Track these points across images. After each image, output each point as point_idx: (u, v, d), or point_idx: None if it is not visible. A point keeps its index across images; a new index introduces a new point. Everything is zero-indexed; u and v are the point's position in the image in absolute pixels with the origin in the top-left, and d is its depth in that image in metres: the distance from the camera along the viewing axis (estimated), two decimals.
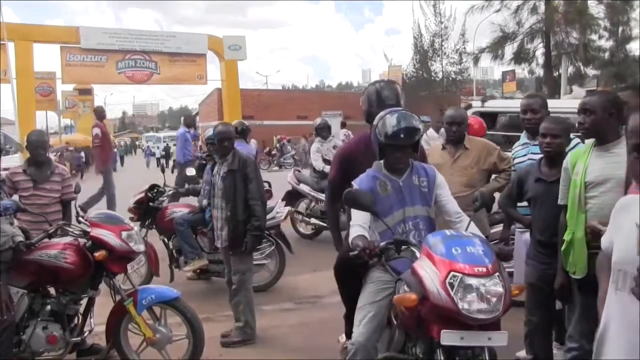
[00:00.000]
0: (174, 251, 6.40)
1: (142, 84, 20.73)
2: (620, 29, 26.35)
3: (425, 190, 3.11)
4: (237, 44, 21.43)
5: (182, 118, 12.07)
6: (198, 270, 6.33)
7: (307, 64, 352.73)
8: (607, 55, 27.22)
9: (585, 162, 3.10)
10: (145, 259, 6.06)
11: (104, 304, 4.19)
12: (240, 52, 21.31)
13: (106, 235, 3.88)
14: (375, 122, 3.11)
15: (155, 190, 6.75)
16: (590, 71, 28.46)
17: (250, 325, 4.74)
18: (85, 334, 4.11)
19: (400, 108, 3.29)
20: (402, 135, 2.97)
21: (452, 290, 2.35)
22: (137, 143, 65.32)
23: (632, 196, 1.73)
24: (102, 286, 4.14)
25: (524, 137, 4.31)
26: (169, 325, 4.12)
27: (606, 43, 26.76)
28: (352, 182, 3.09)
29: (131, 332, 4.11)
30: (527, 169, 3.79)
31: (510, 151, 4.49)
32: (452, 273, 2.38)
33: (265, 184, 7.85)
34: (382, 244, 2.80)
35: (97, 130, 10.32)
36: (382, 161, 3.15)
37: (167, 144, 38.72)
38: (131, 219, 6.28)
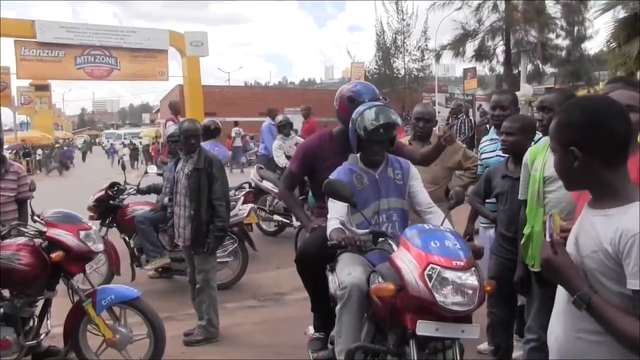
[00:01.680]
0: (135, 250, 6.30)
1: (102, 79, 20.41)
2: (576, 28, 27.04)
3: (400, 182, 3.19)
4: (199, 40, 21.26)
5: (268, 110, 11.79)
6: (160, 269, 6.26)
7: (269, 60, 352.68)
8: (564, 53, 27.89)
9: (544, 157, 3.15)
10: (105, 258, 5.99)
11: (62, 306, 4.08)
12: (202, 48, 21.15)
13: (63, 235, 3.78)
14: (354, 117, 3.14)
15: (116, 188, 6.63)
16: (549, 69, 29.17)
17: (214, 323, 4.70)
18: (42, 337, 4.00)
19: (378, 102, 3.33)
20: (381, 130, 3.04)
21: (430, 282, 2.39)
22: (97, 140, 64.00)
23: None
24: (61, 287, 4.03)
25: (492, 133, 4.34)
26: (129, 325, 4.05)
27: (563, 42, 27.48)
28: (330, 176, 3.10)
29: (90, 334, 4.02)
30: (496, 166, 3.85)
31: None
32: (430, 265, 2.42)
33: (246, 185, 7.83)
34: (362, 234, 2.83)
35: (172, 128, 10.14)
36: (358, 155, 3.20)
37: (131, 141, 37.94)
38: (91, 217, 6.17)
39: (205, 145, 7.82)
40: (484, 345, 4.13)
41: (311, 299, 3.66)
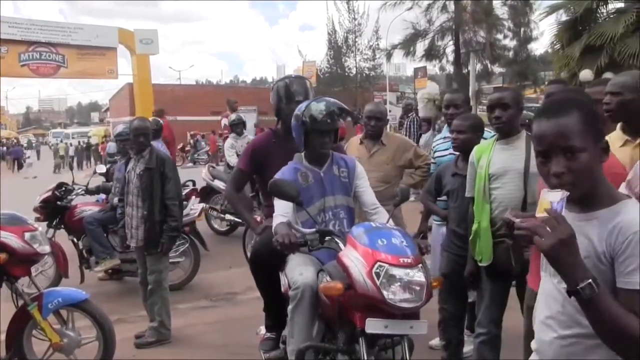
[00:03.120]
0: (84, 251, 6.18)
1: (48, 77, 19.83)
2: (522, 30, 27.82)
3: (345, 180, 3.19)
4: (149, 38, 20.91)
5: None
6: (110, 270, 6.16)
7: (221, 58, 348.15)
8: (511, 54, 28.63)
9: (489, 155, 3.24)
10: (52, 261, 5.84)
11: (5, 310, 3.96)
12: (152, 46, 20.81)
13: (6, 237, 3.66)
14: (298, 111, 3.13)
15: (64, 188, 6.47)
16: (497, 69, 29.88)
17: (165, 324, 4.66)
18: None
19: (321, 96, 3.34)
20: (329, 120, 3.04)
21: (378, 280, 2.40)
22: (44, 140, 61.91)
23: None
24: (4, 291, 3.91)
25: (445, 131, 4.39)
26: (77, 328, 3.96)
27: (510, 43, 28.18)
28: (275, 175, 3.08)
29: (36, 339, 3.91)
30: (446, 164, 3.93)
31: None
32: (378, 263, 2.43)
33: (189, 183, 7.75)
34: (308, 233, 2.82)
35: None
36: (302, 153, 3.20)
37: (79, 141, 36.94)
38: (37, 219, 6.01)
39: (157, 144, 7.78)
40: (436, 341, 4.21)
41: (263, 299, 3.64)
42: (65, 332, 3.87)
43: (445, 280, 3.66)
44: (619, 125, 2.83)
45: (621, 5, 16.08)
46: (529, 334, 1.93)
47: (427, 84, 23.00)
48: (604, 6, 16.46)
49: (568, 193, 1.52)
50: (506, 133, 3.22)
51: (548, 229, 1.41)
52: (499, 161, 3.18)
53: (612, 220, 1.48)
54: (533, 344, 1.77)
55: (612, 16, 15.98)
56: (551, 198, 1.50)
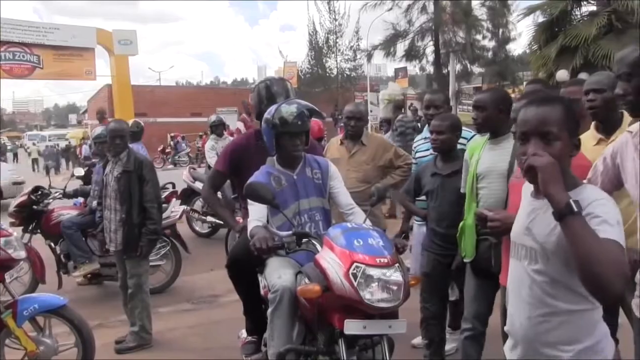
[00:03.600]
0: (61, 256, 6.06)
1: (22, 78, 19.48)
2: (501, 30, 28.14)
3: (319, 182, 3.18)
4: (128, 39, 20.70)
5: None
6: (89, 275, 6.07)
7: (201, 59, 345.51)
8: (490, 54, 28.95)
9: (479, 154, 3.30)
10: (28, 266, 5.73)
11: None
12: (131, 46, 20.60)
13: None
14: (268, 114, 3.12)
15: (40, 192, 6.35)
16: (476, 69, 30.20)
17: (146, 329, 4.60)
18: None
19: (290, 99, 3.35)
20: (299, 122, 3.03)
21: (355, 281, 2.40)
22: (20, 143, 60.84)
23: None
24: None
25: (426, 132, 4.40)
26: (55, 335, 3.88)
27: (489, 43, 28.52)
28: (249, 180, 3.06)
29: (10, 348, 3.81)
30: (425, 164, 3.95)
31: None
32: (355, 264, 2.43)
33: (169, 186, 7.68)
34: (284, 236, 2.81)
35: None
36: (274, 157, 3.18)
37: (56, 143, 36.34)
38: (12, 224, 5.89)
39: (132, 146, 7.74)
40: (418, 340, 4.23)
41: (243, 303, 3.62)
42: (42, 340, 3.78)
43: (427, 279, 3.70)
44: (592, 124, 2.94)
45: (594, 8, 16.37)
46: (506, 333, 2.00)
47: (389, 85, 23.12)
48: (578, 8, 16.76)
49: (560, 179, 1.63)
50: (494, 133, 3.27)
51: (538, 155, 1.62)
52: (486, 161, 3.24)
53: (577, 197, 1.60)
54: (506, 328, 1.92)
55: (585, 18, 16.27)
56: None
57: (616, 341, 2.04)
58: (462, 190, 3.46)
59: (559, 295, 1.71)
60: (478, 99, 3.36)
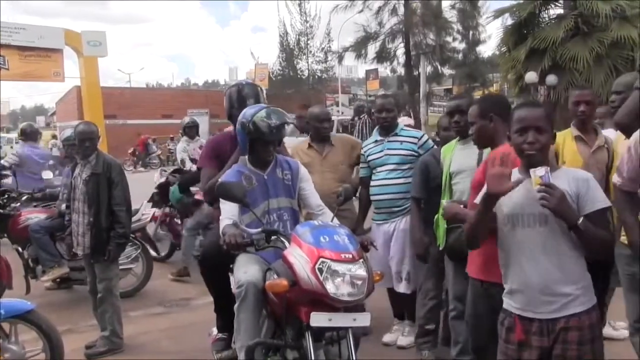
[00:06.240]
0: (29, 260, 5.95)
1: None
2: (471, 32, 28.47)
3: (288, 183, 3.29)
4: (97, 40, 20.35)
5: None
6: (58, 279, 5.97)
7: (172, 61, 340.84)
8: (460, 56, 29.25)
9: (451, 155, 3.58)
10: None
11: None
12: (100, 48, 20.26)
13: None
14: (244, 119, 3.17)
15: (7, 196, 6.23)
16: (447, 71, 30.50)
17: (117, 333, 4.54)
18: None
19: (267, 105, 3.38)
20: (274, 131, 3.12)
21: (321, 275, 2.50)
22: None
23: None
24: None
25: (376, 135, 4.44)
26: (22, 341, 3.80)
27: (460, 45, 28.81)
28: (220, 179, 3.15)
29: None
30: (429, 157, 4.05)
31: None
32: (321, 259, 2.53)
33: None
34: (254, 233, 2.88)
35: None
36: (246, 156, 3.27)
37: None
38: None
39: (24, 147, 7.73)
40: (388, 337, 4.35)
41: (214, 300, 3.70)
42: (7, 347, 3.70)
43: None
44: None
45: (561, 11, 16.69)
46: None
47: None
48: (546, 11, 17.05)
49: (549, 168, 2.18)
50: (467, 134, 3.42)
51: (548, 194, 2.12)
52: (458, 160, 3.50)
53: (568, 176, 2.28)
54: (513, 286, 2.34)
55: (553, 21, 16.57)
56: (539, 173, 2.15)
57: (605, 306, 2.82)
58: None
59: (566, 242, 2.23)
60: (460, 104, 3.58)
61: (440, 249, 3.60)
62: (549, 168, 2.18)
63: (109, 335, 4.50)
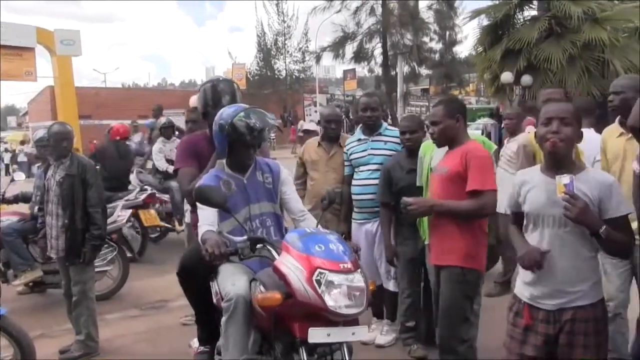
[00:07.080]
0: (1, 264, 5.82)
1: None
2: (447, 33, 28.74)
3: (269, 186, 3.07)
4: (71, 39, 19.96)
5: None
6: (31, 283, 5.84)
7: (148, 60, 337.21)
8: (437, 56, 29.50)
9: (431, 152, 3.69)
10: None
11: None
12: (74, 47, 19.87)
13: None
14: (222, 120, 2.94)
15: None
16: (424, 71, 30.76)
17: (93, 337, 4.46)
18: None
19: (248, 105, 3.12)
20: (255, 134, 2.88)
21: (319, 288, 2.34)
22: None
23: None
24: None
25: (359, 133, 4.44)
26: None
27: (436, 45, 29.09)
28: (197, 183, 2.94)
29: None
30: (392, 163, 4.12)
31: None
32: (318, 270, 2.37)
33: (148, 187, 7.55)
34: (239, 242, 2.70)
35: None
36: (224, 160, 3.04)
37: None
38: None
39: None
40: (367, 336, 4.30)
41: (194, 311, 3.49)
42: None
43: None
44: (617, 119, 3.38)
45: (535, 13, 16.94)
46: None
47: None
48: (521, 13, 17.30)
49: (574, 176, 2.24)
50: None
51: (569, 204, 2.19)
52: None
53: (592, 180, 2.32)
54: (532, 279, 2.41)
55: (527, 22, 16.81)
56: (564, 181, 2.20)
57: None
58: (418, 184, 3.87)
59: (584, 244, 2.33)
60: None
61: (426, 243, 3.66)
62: (573, 177, 2.23)
63: (84, 339, 4.42)
